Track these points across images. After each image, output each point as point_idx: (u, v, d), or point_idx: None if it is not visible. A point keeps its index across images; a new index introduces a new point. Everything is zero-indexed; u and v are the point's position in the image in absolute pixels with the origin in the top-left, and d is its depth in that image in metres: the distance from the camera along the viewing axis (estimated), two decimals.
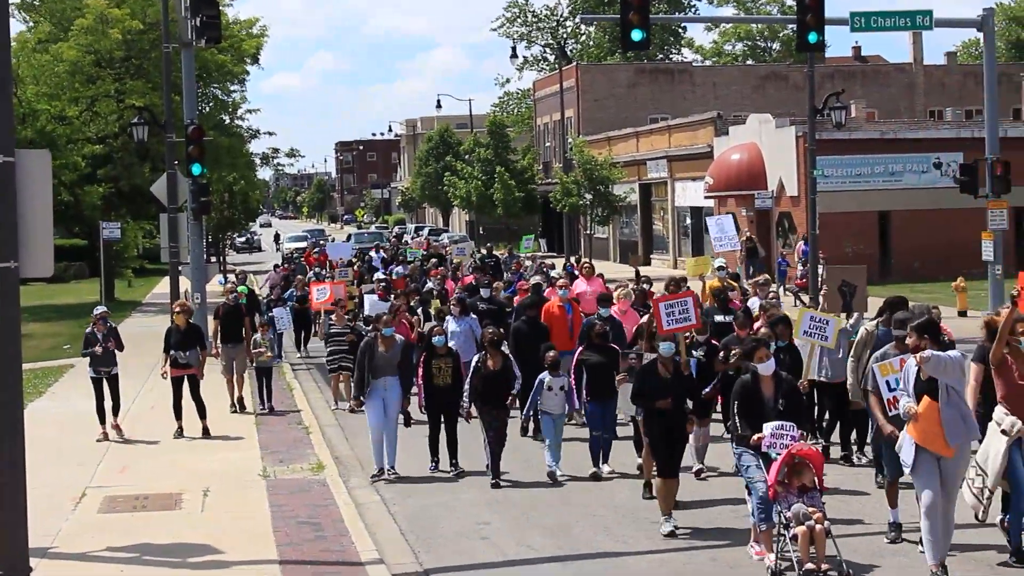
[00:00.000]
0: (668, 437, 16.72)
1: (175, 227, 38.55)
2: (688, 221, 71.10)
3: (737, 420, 15.30)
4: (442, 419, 20.74)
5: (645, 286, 28.77)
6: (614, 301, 23.88)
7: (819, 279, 48.58)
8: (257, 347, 27.63)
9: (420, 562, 15.46)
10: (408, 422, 21.18)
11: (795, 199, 56.34)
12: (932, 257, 53.74)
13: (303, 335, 37.84)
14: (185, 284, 39.59)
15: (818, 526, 14.14)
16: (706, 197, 64.43)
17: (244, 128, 68.49)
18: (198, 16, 31.19)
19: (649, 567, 15.09)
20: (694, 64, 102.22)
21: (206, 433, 24.10)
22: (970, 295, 41.30)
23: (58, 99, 55.07)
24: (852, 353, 18.97)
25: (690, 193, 69.04)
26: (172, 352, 24.52)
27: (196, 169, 34.71)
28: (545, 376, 20.24)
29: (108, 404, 24.08)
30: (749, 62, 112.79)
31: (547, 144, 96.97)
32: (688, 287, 23.45)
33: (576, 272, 35.30)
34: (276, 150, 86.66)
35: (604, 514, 17.51)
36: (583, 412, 21.55)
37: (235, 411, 26.88)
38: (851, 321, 21.11)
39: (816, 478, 14.51)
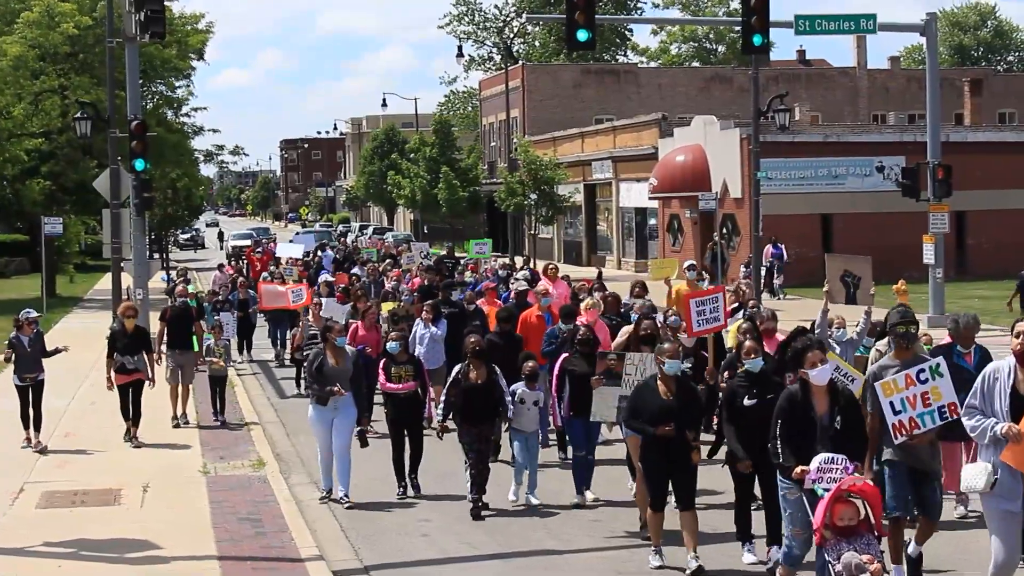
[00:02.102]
0: (665, 468, 14.64)
1: (118, 223, 38.30)
2: (632, 222, 71.30)
3: (779, 445, 12.77)
4: (406, 433, 18.96)
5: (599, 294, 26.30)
6: (580, 312, 21.36)
7: (771, 280, 49.19)
8: (210, 354, 25.74)
9: (360, 559, 15.44)
10: (364, 443, 19.00)
11: (739, 201, 56.57)
12: (874, 259, 53.76)
13: (245, 342, 35.64)
14: (127, 280, 39.34)
15: None
16: (650, 198, 64.66)
17: (189, 124, 68.22)
18: (142, 11, 30.94)
19: (590, 563, 15.11)
20: (639, 66, 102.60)
21: (133, 440, 22.60)
22: (911, 298, 41.44)
23: (1, 94, 54.62)
24: (867, 375, 15.89)
25: (635, 194, 69.21)
26: (119, 357, 22.89)
27: (139, 165, 34.47)
28: (518, 387, 18.17)
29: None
30: (695, 64, 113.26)
31: (492, 144, 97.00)
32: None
33: (540, 275, 33.22)
34: (221, 147, 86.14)
35: (545, 513, 17.52)
36: (563, 427, 19.19)
37: (177, 425, 24.38)
38: (858, 328, 19.43)
39: (873, 518, 12.13)
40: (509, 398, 17.88)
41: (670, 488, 14.83)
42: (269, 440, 23.10)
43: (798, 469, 12.41)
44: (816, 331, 17.77)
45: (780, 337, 17.71)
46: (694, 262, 30.93)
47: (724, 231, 57.37)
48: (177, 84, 64.76)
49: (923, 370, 13.24)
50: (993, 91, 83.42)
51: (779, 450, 12.76)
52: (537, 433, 18.55)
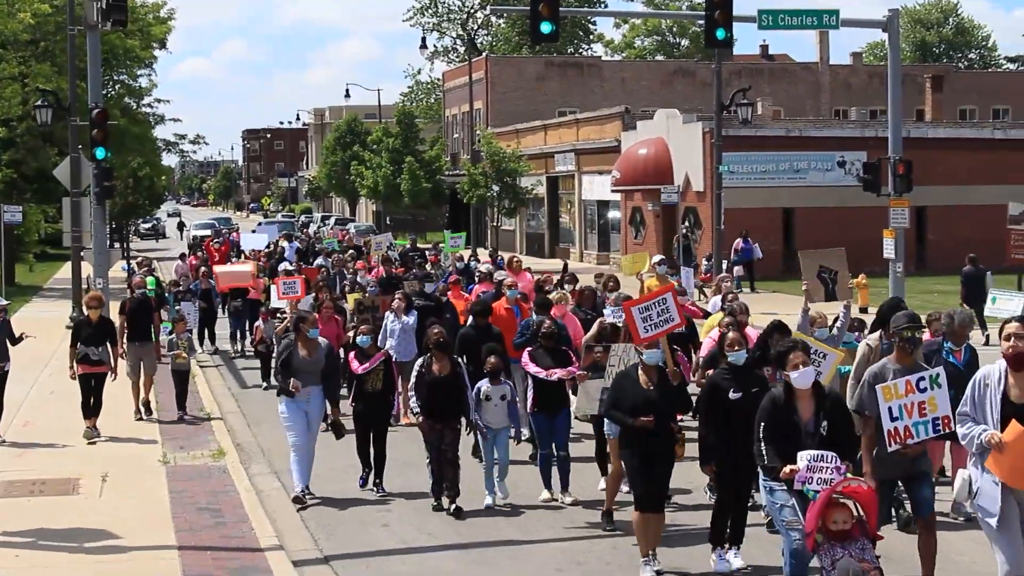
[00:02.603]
0: (648, 463, 14.04)
1: (78, 211, 38.17)
2: (595, 215, 71.41)
3: (763, 447, 12.42)
4: (371, 431, 18.53)
5: (568, 285, 26.03)
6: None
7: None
8: (173, 348, 24.82)
9: (320, 548, 15.42)
10: (339, 434, 18.38)
11: (701, 194, 56.71)
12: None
13: (207, 332, 34.79)
14: (87, 269, 39.18)
15: None
16: (613, 191, 64.74)
17: (151, 114, 67.96)
18: None
19: (551, 553, 15.13)
20: (603, 59, 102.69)
21: (93, 433, 22.08)
22: (871, 292, 41.67)
23: None
24: (853, 374, 15.99)
25: (597, 187, 69.31)
26: (83, 347, 22.45)
27: (100, 153, 34.35)
28: (483, 384, 17.49)
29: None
30: (658, 58, 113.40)
31: (455, 135, 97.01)
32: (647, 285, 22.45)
33: (503, 267, 33.04)
34: (182, 136, 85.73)
35: (506, 503, 17.48)
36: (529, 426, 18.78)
37: (140, 418, 24.04)
38: (838, 322, 18.38)
39: (867, 522, 11.56)
40: (471, 394, 17.30)
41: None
42: (230, 430, 23.04)
43: (786, 469, 11.95)
44: (796, 331, 17.02)
45: (752, 331, 17.80)
46: (663, 256, 30.57)
47: (686, 224, 57.49)
48: (139, 73, 64.48)
49: (923, 379, 12.77)
50: (954, 88, 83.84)
51: (763, 451, 12.40)
52: (507, 430, 17.58)
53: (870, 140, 55.21)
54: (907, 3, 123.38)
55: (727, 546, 14.36)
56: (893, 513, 14.77)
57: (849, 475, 11.72)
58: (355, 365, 18.47)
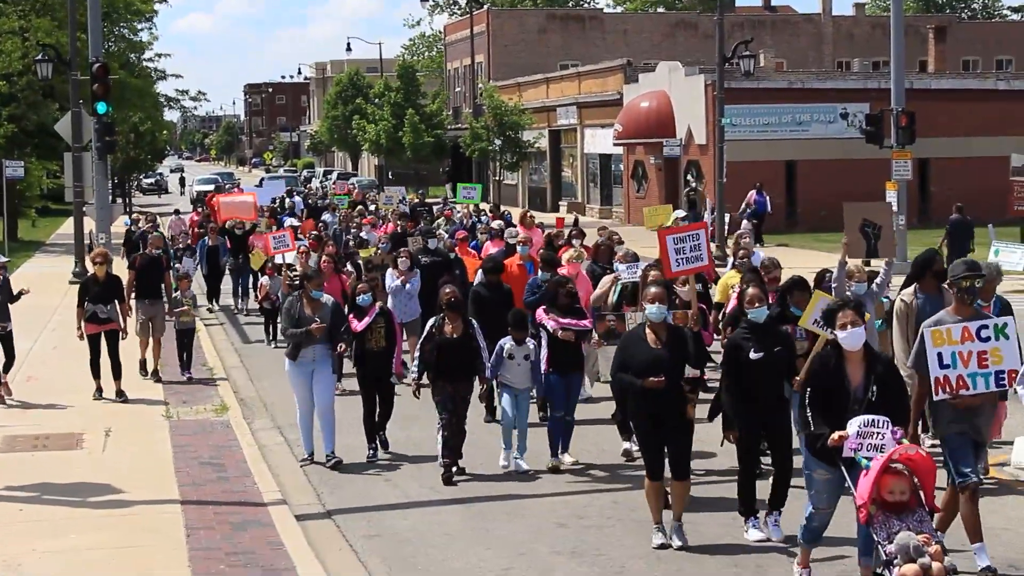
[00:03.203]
0: (658, 427, 13.38)
1: (79, 166, 38.18)
2: (597, 168, 71.30)
3: (809, 413, 11.48)
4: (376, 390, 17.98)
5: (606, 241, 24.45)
6: (562, 263, 20.65)
7: (726, 229, 49.21)
8: (178, 306, 23.90)
9: (323, 503, 15.47)
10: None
11: (703, 147, 56.60)
12: (837, 207, 53.97)
13: (214, 291, 34.24)
14: (90, 225, 39.18)
15: (936, 564, 10.28)
16: (615, 144, 64.62)
17: (152, 69, 67.83)
18: None
19: (552, 507, 15.15)
20: (605, 11, 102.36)
21: (120, 396, 21.60)
22: None
23: None
24: (896, 333, 15.37)
25: (599, 140, 69.18)
26: (90, 306, 21.80)
27: (101, 108, 34.35)
28: (506, 342, 16.80)
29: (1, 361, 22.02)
30: (660, 10, 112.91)
31: (457, 89, 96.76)
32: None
33: (515, 222, 32.30)
34: (184, 92, 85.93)
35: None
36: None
37: (146, 376, 23.56)
38: (878, 280, 17.26)
39: (924, 493, 10.67)
40: (486, 354, 16.70)
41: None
42: (233, 385, 23.08)
43: (835, 435, 11.01)
44: (833, 285, 16.41)
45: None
46: (683, 212, 30.03)
47: (688, 177, 57.38)
48: (139, 27, 64.36)
49: (986, 327, 11.98)
50: (957, 39, 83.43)
51: (809, 417, 11.47)
52: (529, 390, 17.03)
53: (873, 92, 55.02)
54: None
55: (762, 514, 13.73)
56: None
57: (905, 441, 10.94)
58: (355, 324, 17.95)
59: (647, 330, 13.53)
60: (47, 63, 41.40)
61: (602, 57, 77.77)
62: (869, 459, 10.63)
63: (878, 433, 10.77)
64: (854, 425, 10.91)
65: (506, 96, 76.86)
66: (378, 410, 17.96)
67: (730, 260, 23.23)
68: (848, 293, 16.10)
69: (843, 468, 11.20)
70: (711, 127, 52.92)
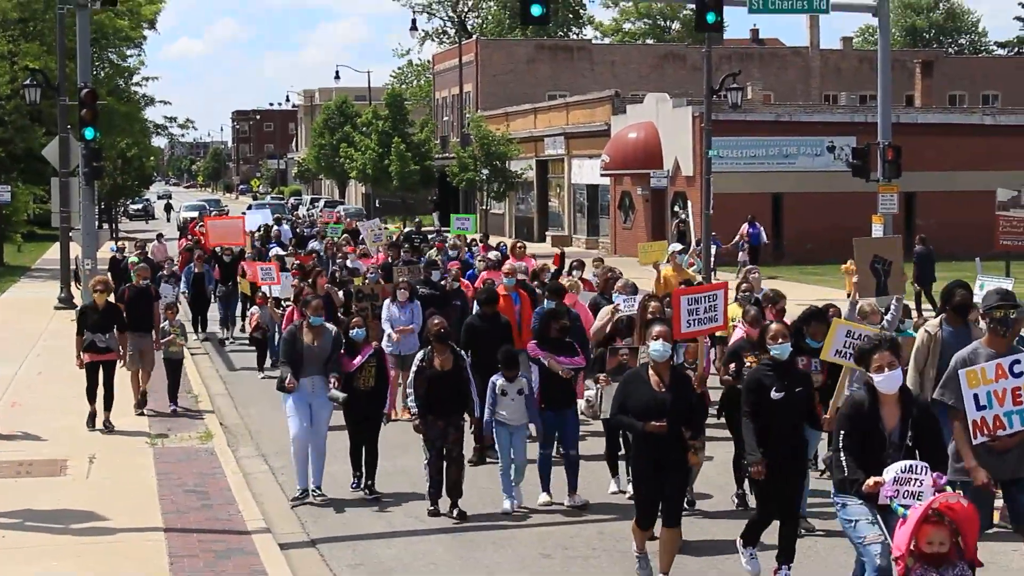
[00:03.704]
0: (658, 471, 12.81)
1: (67, 191, 38.17)
2: (584, 198, 71.38)
3: (843, 457, 10.89)
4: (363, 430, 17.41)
5: (596, 271, 24.92)
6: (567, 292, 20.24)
7: (711, 260, 49.20)
8: (166, 335, 23.13)
9: (307, 531, 15.43)
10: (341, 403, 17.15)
11: (690, 179, 56.71)
12: (823, 239, 54.34)
13: (200, 319, 33.46)
14: (76, 250, 39.11)
15: None
16: (602, 175, 64.74)
17: (140, 95, 67.84)
18: None
19: (539, 539, 15.12)
20: (593, 42, 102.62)
21: (107, 426, 21.10)
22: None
23: None
24: (912, 363, 14.67)
25: (587, 170, 69.30)
26: (89, 334, 21.25)
27: (89, 133, 34.30)
28: (497, 379, 16.25)
29: None
30: (648, 41, 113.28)
31: (445, 118, 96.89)
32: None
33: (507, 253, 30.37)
34: (172, 119, 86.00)
35: (495, 488, 17.15)
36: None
37: (141, 413, 22.72)
38: (888, 317, 16.61)
39: (965, 543, 9.85)
40: (474, 390, 16.24)
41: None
42: (217, 412, 23.00)
43: (870, 481, 10.39)
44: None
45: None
46: (680, 245, 29.49)
47: (675, 209, 57.44)
48: (128, 53, 64.40)
49: (1018, 361, 11.44)
50: (944, 73, 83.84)
51: (843, 462, 10.83)
52: (525, 427, 16.46)
53: (859, 125, 55.23)
54: None
55: (754, 549, 13.25)
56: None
57: (949, 489, 10.11)
58: (347, 363, 17.24)
59: (650, 371, 12.92)
60: (35, 88, 41.41)
61: (590, 88, 77.98)
62: (906, 507, 9.91)
63: (916, 480, 10.12)
64: (891, 472, 10.27)
65: (494, 126, 76.98)
66: (365, 453, 17.38)
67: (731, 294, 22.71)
68: (883, 330, 14.84)
69: (872, 510, 10.70)
70: (698, 159, 53.04)
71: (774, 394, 12.63)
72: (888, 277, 16.53)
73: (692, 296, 14.30)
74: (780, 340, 12.96)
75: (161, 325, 23.31)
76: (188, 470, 18.30)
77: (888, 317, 16.59)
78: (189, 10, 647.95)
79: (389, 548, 14.83)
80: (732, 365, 15.16)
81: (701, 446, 13.13)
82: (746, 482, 15.54)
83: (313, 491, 16.93)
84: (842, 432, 10.94)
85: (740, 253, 49.27)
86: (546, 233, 74.84)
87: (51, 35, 50.62)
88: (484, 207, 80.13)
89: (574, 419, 16.72)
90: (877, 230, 38.35)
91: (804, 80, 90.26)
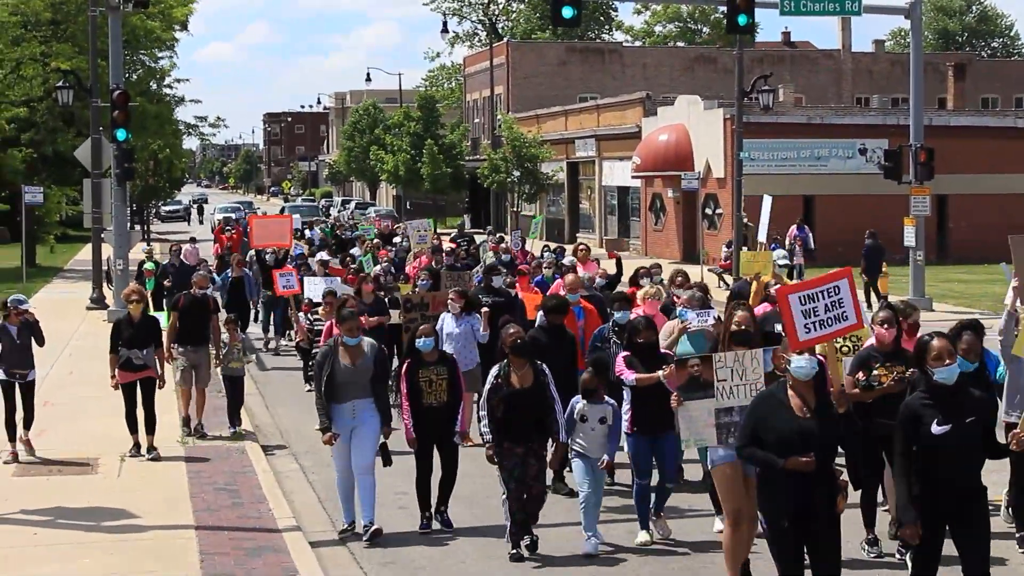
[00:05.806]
0: (800, 522, 10.44)
1: (99, 193, 38.33)
2: (615, 200, 71.32)
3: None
4: (436, 451, 15.47)
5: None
6: (638, 302, 17.99)
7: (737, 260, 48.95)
8: (230, 356, 21.33)
9: (337, 529, 15.43)
10: (387, 460, 15.37)
11: (721, 181, 56.59)
12: (855, 242, 54.15)
13: (239, 323, 32.61)
14: (108, 251, 39.26)
15: None
16: (633, 177, 64.69)
17: (171, 96, 68.10)
18: None
19: (568, 540, 15.04)
20: (624, 44, 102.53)
21: (152, 452, 19.11)
22: (892, 280, 41.60)
23: None
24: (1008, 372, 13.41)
25: (617, 173, 69.21)
26: (124, 351, 19.26)
27: (121, 135, 34.47)
28: (577, 402, 14.35)
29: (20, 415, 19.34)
30: (679, 44, 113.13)
31: (476, 120, 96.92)
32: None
33: (566, 258, 29.43)
34: (203, 119, 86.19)
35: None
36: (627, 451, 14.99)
37: (188, 437, 20.51)
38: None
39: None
40: (560, 409, 14.29)
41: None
42: (248, 411, 23.01)
43: None
44: (999, 338, 13.73)
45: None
46: (785, 253, 27.07)
47: (706, 211, 57.34)
48: (160, 55, 64.64)
49: None
50: (977, 76, 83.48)
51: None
52: (600, 458, 14.37)
53: (891, 128, 55.04)
54: None
55: None
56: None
57: None
58: (404, 389, 15.35)
59: (788, 391, 10.64)
60: (68, 90, 41.62)
61: (621, 90, 77.91)
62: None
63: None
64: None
65: (525, 128, 76.99)
66: (441, 476, 15.51)
67: None
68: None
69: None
70: (729, 161, 52.98)
71: (936, 428, 10.29)
72: None
73: (803, 293, 11.20)
74: (947, 360, 10.40)
75: (222, 339, 21.38)
76: (219, 468, 18.37)
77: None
78: (220, 14, 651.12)
79: (419, 546, 14.83)
80: (860, 374, 13.26)
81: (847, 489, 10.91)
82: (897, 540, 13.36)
83: (365, 526, 14.97)
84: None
85: (795, 257, 49.03)
86: (576, 234, 74.77)
87: (83, 37, 50.80)
88: (515, 209, 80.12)
89: (671, 447, 14.56)
90: (909, 233, 38.32)
91: (836, 83, 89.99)
